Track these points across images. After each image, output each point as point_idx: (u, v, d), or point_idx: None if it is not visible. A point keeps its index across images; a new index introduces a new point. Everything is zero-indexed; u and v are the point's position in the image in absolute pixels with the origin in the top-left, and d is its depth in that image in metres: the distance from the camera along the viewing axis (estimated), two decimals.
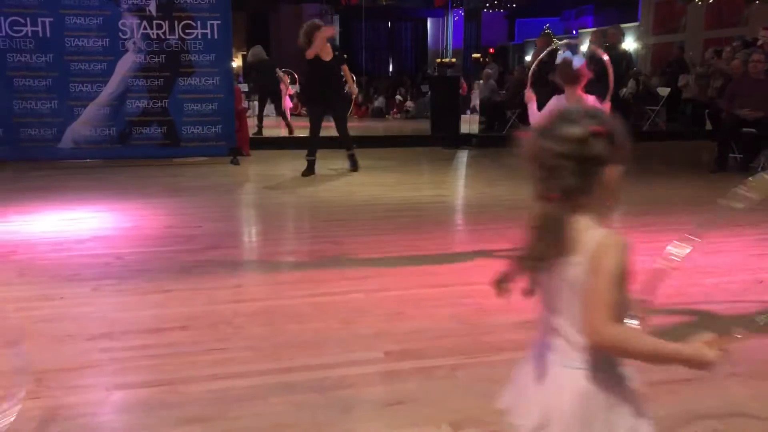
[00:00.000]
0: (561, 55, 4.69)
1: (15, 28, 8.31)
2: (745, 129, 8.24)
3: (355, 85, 8.21)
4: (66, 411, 2.33)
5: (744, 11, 15.22)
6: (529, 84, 4.63)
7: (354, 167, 8.19)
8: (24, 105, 8.44)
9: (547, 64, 12.88)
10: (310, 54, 7.29)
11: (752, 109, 8.16)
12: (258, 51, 12.44)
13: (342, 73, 7.95)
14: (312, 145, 7.93)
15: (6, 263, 4.19)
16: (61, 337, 2.99)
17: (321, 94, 7.63)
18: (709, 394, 2.49)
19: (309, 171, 7.83)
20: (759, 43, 10.93)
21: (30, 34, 8.35)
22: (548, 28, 22.39)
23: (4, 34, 8.26)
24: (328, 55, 7.55)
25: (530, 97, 4.31)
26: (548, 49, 8.02)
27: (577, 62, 4.18)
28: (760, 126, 8.09)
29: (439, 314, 3.31)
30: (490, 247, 4.61)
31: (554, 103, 3.98)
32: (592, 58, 10.87)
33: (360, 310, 3.37)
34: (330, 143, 8.38)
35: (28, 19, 8.32)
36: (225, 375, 2.61)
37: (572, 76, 4.04)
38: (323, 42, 7.37)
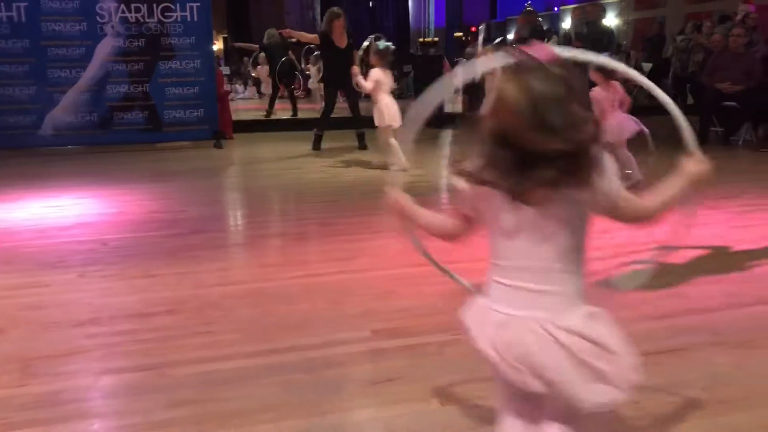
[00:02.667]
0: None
1: None
2: (725, 103, 8.30)
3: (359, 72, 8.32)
4: (54, 397, 2.32)
5: None
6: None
7: (362, 146, 8.42)
8: (1, 92, 8.32)
9: (526, 42, 12.87)
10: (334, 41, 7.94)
11: (732, 82, 8.21)
12: (272, 33, 12.49)
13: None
14: (323, 121, 8.43)
15: None
16: (48, 324, 2.98)
17: (336, 77, 8.11)
18: (692, 364, 2.53)
19: (316, 145, 8.37)
20: (738, 17, 10.96)
21: (5, 20, 8.22)
22: (530, 5, 22.34)
23: None
24: (343, 42, 8.02)
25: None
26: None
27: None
28: (740, 100, 8.15)
29: (427, 292, 3.32)
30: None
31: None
32: (579, 35, 10.89)
33: (347, 290, 3.38)
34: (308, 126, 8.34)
35: (2, 4, 8.18)
36: (213, 358, 2.61)
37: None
38: (341, 30, 7.95)
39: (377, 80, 6.54)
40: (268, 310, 3.13)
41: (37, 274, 3.70)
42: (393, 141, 6.34)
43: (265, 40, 12.69)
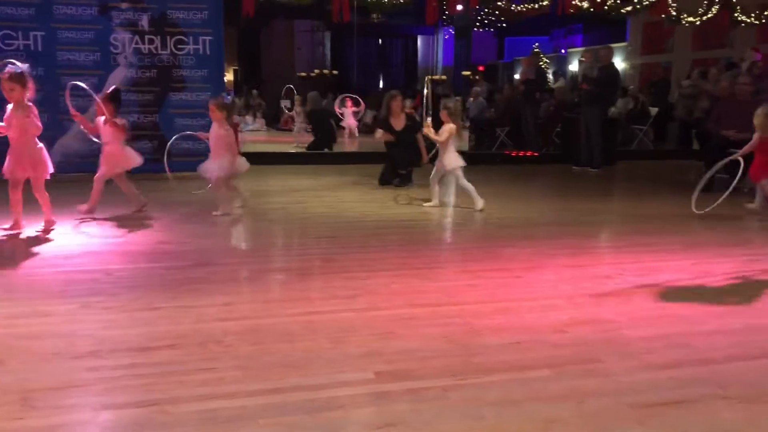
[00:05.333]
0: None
1: (6, 41, 8.31)
2: (731, 150, 8.32)
3: (427, 156, 8.55)
4: (53, 431, 2.30)
5: (730, 33, 15.44)
6: None
7: (401, 183, 8.59)
8: None
9: (534, 83, 13.03)
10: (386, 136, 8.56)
11: (738, 130, 8.25)
12: (315, 97, 13.10)
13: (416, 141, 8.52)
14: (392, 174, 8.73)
15: None
16: (48, 355, 2.96)
17: (388, 153, 8.69)
18: (698, 418, 2.50)
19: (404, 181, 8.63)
20: (744, 64, 11.08)
21: (22, 48, 8.35)
22: (537, 47, 22.66)
23: None
24: (399, 125, 8.49)
25: None
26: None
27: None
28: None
29: (430, 334, 3.30)
30: (478, 267, 4.62)
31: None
32: (585, 77, 11.02)
33: (350, 329, 3.36)
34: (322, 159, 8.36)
35: (20, 32, 8.32)
36: (214, 395, 2.59)
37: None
38: (397, 111, 8.51)
39: (451, 133, 6.87)
40: (269, 347, 3.11)
41: (39, 303, 3.69)
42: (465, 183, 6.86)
43: (308, 107, 13.10)
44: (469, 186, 6.83)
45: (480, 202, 6.76)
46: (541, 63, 16.11)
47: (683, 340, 3.28)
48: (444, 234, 6.16)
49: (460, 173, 6.87)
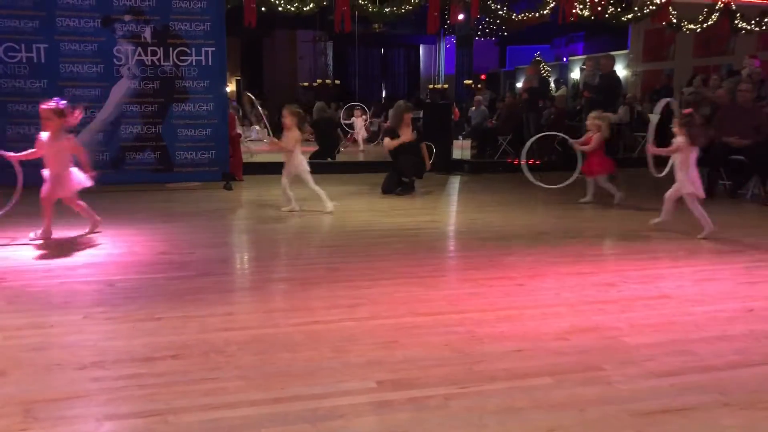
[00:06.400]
0: None
1: (9, 54, 8.37)
2: (733, 156, 8.34)
3: (430, 162, 9.09)
4: None
5: (730, 40, 15.48)
6: None
7: (403, 191, 8.68)
8: (17, 130, 8.47)
9: (537, 91, 13.07)
10: (395, 142, 8.74)
11: (740, 136, 8.27)
12: (320, 107, 13.35)
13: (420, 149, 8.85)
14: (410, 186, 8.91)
15: None
16: (51, 366, 2.97)
17: (394, 161, 8.83)
18: (699, 426, 2.49)
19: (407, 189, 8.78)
20: (744, 71, 11.10)
21: (25, 60, 8.41)
22: (539, 55, 22.70)
23: None
24: (407, 135, 8.71)
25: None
26: None
27: None
28: (748, 153, 8.19)
29: (432, 343, 3.31)
30: (481, 275, 4.62)
31: None
32: (588, 85, 11.04)
33: (352, 338, 3.37)
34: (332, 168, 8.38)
35: (23, 45, 8.39)
36: (217, 405, 2.60)
37: None
38: (408, 123, 8.75)
39: (297, 140, 7.18)
40: (272, 356, 3.12)
41: (42, 314, 3.70)
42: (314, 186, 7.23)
43: (315, 115, 13.22)
44: (318, 189, 7.16)
45: (329, 205, 7.10)
46: (542, 72, 16.15)
47: (684, 347, 3.28)
48: (447, 243, 6.16)
49: (308, 177, 7.15)
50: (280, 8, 11.03)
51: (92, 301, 3.96)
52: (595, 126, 7.75)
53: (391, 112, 10.05)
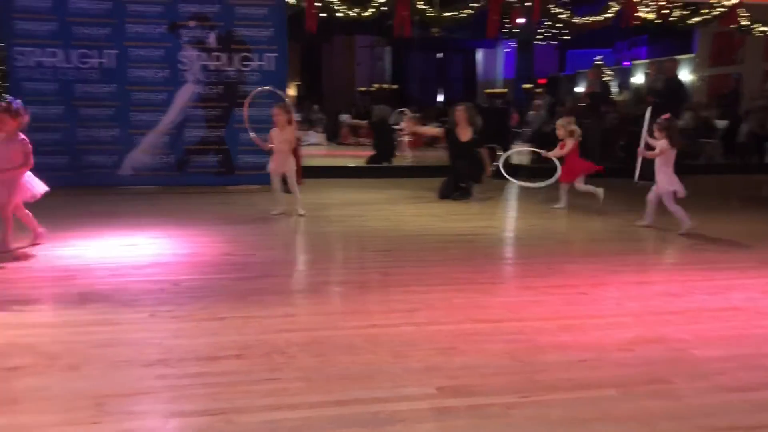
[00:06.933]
0: None
1: (83, 59, 8.69)
2: None
3: (491, 168, 8.91)
4: None
5: None
6: None
7: (460, 196, 8.56)
8: (87, 133, 8.80)
9: (599, 96, 12.81)
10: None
11: None
12: (382, 109, 13.48)
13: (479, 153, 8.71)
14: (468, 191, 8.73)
15: (66, 288, 4.32)
16: (119, 362, 3.06)
17: (451, 165, 8.75)
18: None
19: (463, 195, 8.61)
20: None
21: (96, 66, 8.72)
22: (600, 59, 22.25)
23: (73, 65, 8.66)
24: (465, 136, 8.58)
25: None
26: None
27: None
28: None
29: (492, 350, 3.27)
30: (541, 282, 4.55)
31: None
32: (652, 90, 10.78)
33: (411, 343, 3.36)
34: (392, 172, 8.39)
35: (95, 51, 8.70)
36: (278, 406, 2.63)
37: None
38: (463, 122, 8.62)
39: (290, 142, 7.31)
40: (332, 359, 3.14)
41: (110, 311, 3.82)
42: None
43: (374, 118, 13.39)
44: (296, 191, 7.30)
45: (301, 209, 7.14)
46: (603, 76, 15.84)
47: (757, 362, 3.15)
48: (505, 249, 6.10)
49: (293, 177, 7.29)
50: (340, 14, 11.13)
51: (158, 299, 4.06)
52: (567, 132, 7.88)
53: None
